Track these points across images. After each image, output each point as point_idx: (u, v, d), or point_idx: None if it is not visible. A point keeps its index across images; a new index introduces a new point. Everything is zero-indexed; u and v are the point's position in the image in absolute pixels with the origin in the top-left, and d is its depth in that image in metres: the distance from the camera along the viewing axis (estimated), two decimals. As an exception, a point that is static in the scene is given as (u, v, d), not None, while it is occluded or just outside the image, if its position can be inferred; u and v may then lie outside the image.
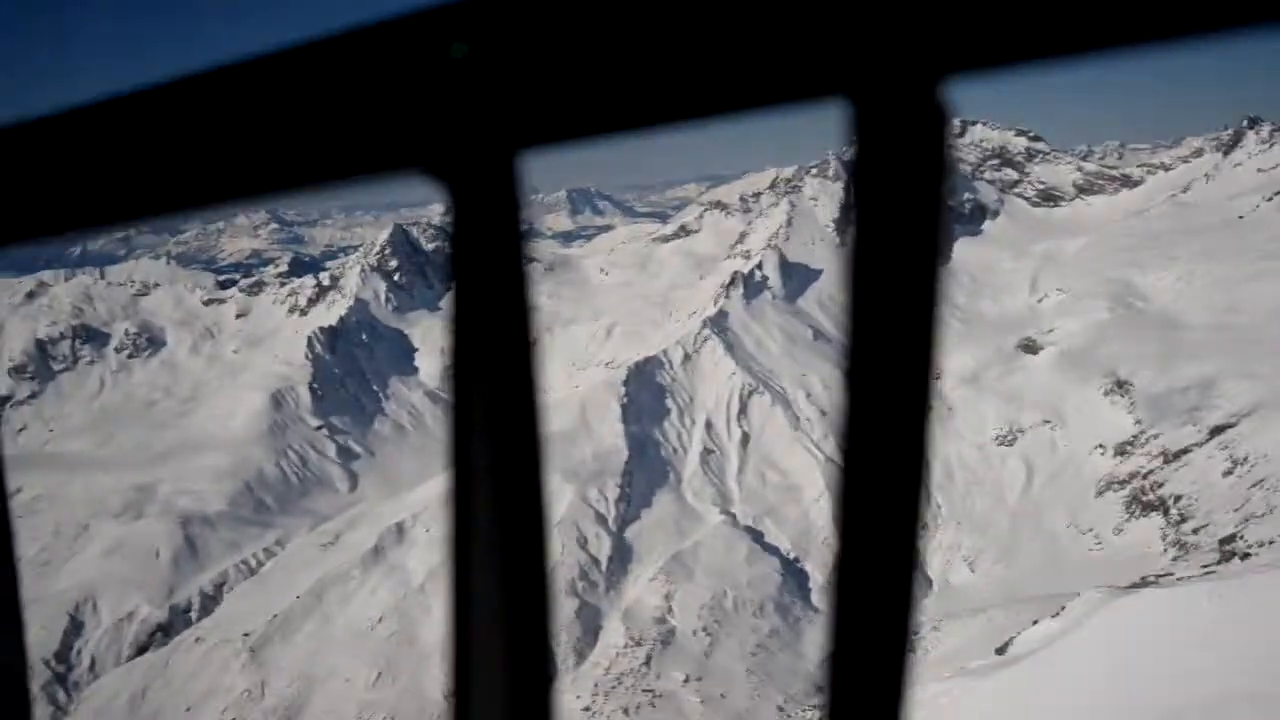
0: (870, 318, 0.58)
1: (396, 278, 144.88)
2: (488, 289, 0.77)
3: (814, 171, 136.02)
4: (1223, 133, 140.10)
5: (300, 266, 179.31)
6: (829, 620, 0.62)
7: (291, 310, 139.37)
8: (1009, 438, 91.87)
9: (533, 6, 0.71)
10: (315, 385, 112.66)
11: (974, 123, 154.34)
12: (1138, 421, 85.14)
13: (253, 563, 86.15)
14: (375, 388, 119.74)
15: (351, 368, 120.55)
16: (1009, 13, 0.53)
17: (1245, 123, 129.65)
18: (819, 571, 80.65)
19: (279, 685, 70.30)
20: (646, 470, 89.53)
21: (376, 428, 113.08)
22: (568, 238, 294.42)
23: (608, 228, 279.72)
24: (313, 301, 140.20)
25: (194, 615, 79.98)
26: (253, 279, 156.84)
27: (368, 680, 68.86)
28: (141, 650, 76.48)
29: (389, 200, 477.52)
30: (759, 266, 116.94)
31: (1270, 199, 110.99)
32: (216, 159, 0.88)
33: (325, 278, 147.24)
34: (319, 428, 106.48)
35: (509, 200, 0.77)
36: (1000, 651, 36.34)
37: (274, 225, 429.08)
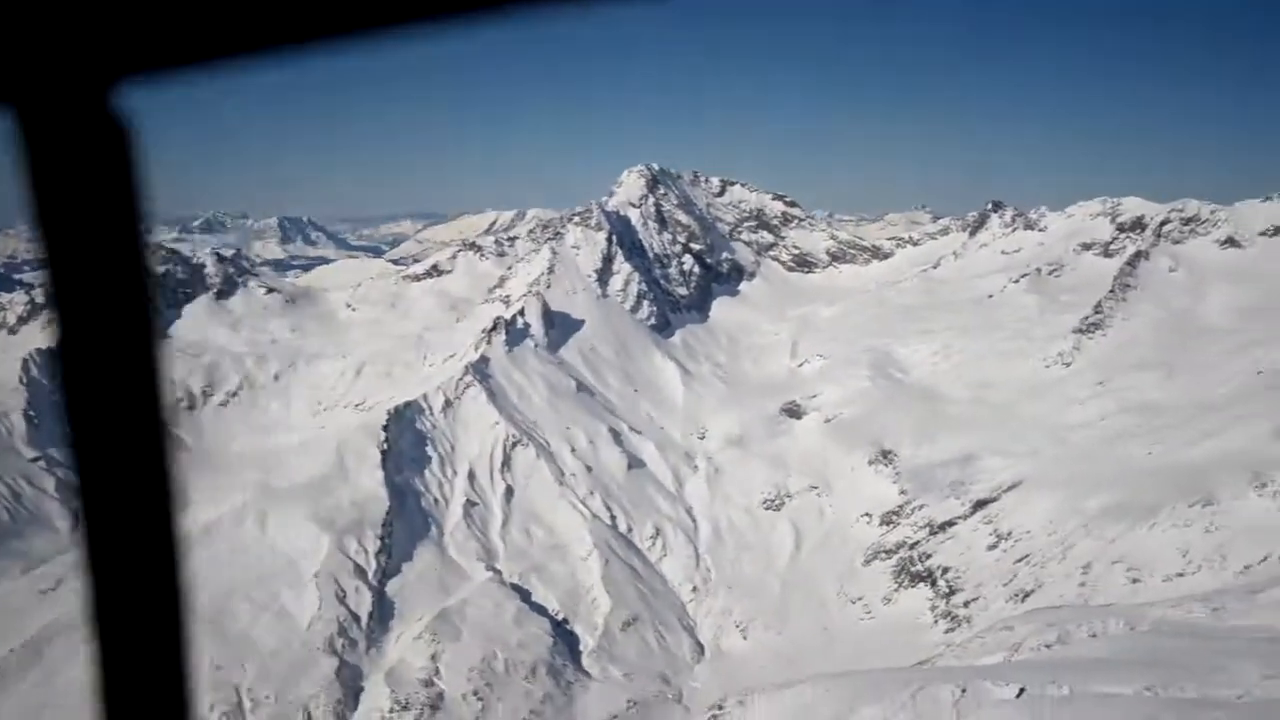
0: (76, 332, 0.56)
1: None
2: (88, 248, 0.66)
3: (576, 220, 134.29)
4: (968, 214, 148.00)
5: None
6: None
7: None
8: (776, 502, 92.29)
9: None
10: (31, 412, 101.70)
11: (733, 183, 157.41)
12: (902, 491, 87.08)
13: (-43, 610, 76.04)
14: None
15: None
16: (180, 15, 0.51)
17: (989, 206, 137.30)
18: (589, 634, 78.06)
19: (-10, 752, 62.08)
20: (407, 521, 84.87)
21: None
22: (279, 266, 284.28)
23: (321, 259, 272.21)
24: (23, 320, 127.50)
25: (-116, 670, 69.61)
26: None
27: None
28: None
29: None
30: (521, 313, 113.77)
31: (1016, 281, 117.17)
32: None
33: (39, 294, 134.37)
34: (35, 459, 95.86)
35: (108, 136, 0.69)
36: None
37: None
